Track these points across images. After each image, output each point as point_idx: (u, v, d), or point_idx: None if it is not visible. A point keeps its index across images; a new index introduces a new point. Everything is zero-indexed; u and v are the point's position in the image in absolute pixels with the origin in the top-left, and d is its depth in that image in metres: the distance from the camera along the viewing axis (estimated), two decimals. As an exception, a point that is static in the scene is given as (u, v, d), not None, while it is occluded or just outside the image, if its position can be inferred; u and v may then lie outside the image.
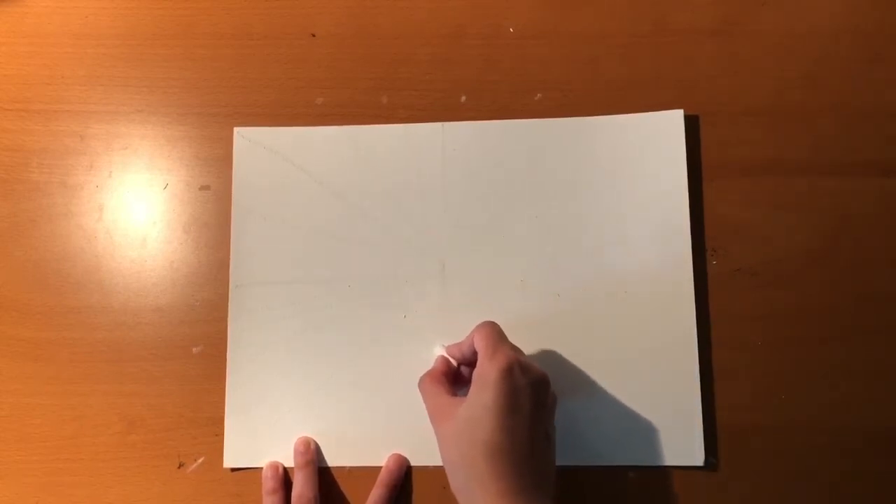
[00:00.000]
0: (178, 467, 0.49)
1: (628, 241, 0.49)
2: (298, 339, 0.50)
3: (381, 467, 0.48)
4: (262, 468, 0.48)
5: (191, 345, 0.50)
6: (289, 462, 0.48)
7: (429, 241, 0.50)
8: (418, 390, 0.45)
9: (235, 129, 0.52)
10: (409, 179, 0.51)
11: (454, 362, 0.46)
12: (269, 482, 0.47)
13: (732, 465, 0.48)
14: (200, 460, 0.49)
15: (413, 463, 0.48)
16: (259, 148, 0.52)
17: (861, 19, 0.52)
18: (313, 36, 0.53)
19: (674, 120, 0.50)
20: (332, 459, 0.49)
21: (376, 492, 0.47)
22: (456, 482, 0.40)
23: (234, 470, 0.49)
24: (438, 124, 0.51)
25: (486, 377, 0.39)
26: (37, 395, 0.50)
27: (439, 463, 0.48)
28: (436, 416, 0.42)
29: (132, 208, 0.52)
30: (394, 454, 0.48)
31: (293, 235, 0.51)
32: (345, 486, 0.49)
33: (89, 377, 0.50)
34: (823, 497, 0.47)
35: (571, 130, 0.51)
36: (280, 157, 0.51)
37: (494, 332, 0.42)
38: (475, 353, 0.42)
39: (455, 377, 0.46)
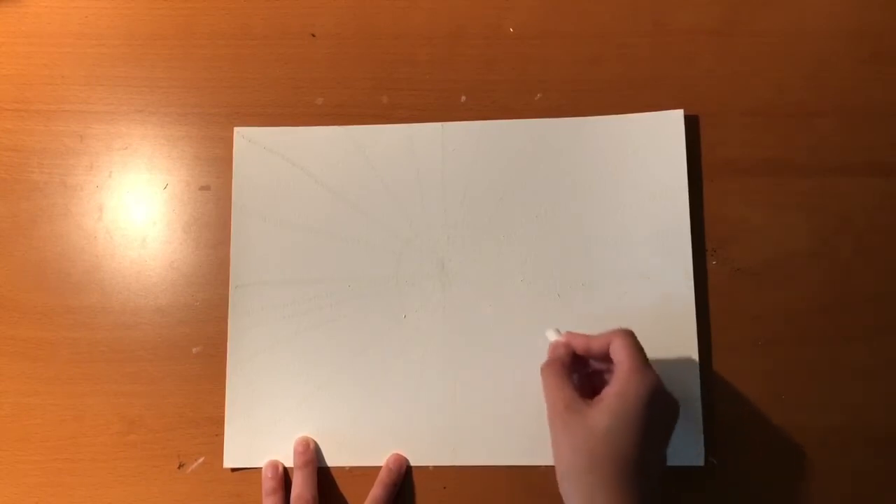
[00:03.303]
0: (178, 467, 0.49)
1: (628, 241, 0.49)
2: (298, 339, 0.50)
3: (380, 467, 0.48)
4: (261, 468, 0.48)
5: (191, 345, 0.50)
6: (289, 462, 0.48)
7: (429, 241, 0.50)
8: (540, 376, 0.43)
9: (235, 129, 0.52)
10: (409, 179, 0.51)
11: (577, 352, 0.44)
12: (268, 482, 0.47)
13: (732, 465, 0.48)
14: (200, 460, 0.49)
15: (413, 463, 0.48)
16: (259, 148, 0.52)
17: (861, 19, 0.52)
18: (313, 36, 0.53)
19: (674, 120, 0.50)
20: (332, 459, 0.49)
21: (375, 491, 0.47)
22: (569, 484, 0.40)
23: (234, 470, 0.49)
24: (438, 124, 0.51)
25: (632, 393, 0.39)
26: (37, 395, 0.50)
27: (438, 463, 0.48)
28: (559, 410, 0.41)
29: (132, 208, 0.52)
30: (393, 454, 0.48)
31: (293, 235, 0.51)
32: (344, 486, 0.49)
33: (89, 377, 0.50)
34: (823, 496, 0.47)
35: (571, 130, 0.51)
36: (280, 157, 0.51)
37: (640, 347, 0.42)
38: (603, 354, 0.42)
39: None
